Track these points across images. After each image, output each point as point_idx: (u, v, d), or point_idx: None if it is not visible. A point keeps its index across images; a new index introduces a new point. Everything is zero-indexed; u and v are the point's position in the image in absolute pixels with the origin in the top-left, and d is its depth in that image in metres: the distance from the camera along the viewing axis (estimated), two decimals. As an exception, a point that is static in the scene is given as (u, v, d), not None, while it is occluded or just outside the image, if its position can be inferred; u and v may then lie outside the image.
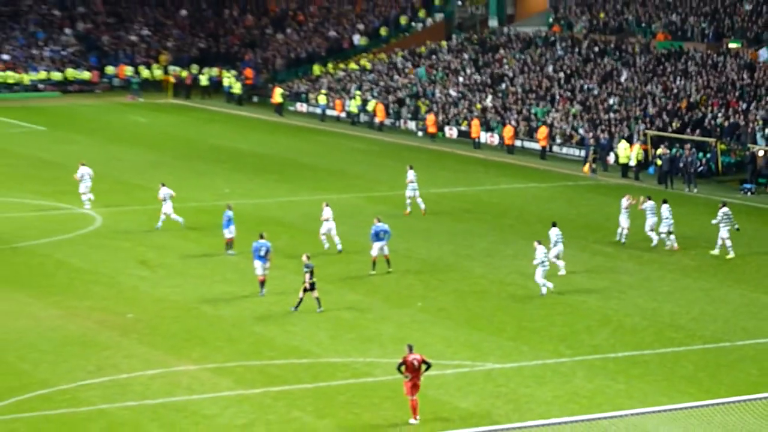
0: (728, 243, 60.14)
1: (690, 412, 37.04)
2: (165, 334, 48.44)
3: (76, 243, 61.49)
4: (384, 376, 41.85)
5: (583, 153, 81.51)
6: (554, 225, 57.88)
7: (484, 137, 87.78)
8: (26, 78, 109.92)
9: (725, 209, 61.30)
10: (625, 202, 63.05)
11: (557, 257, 56.25)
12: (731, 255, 59.99)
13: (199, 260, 56.07)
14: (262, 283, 53.77)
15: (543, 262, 53.82)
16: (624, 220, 62.79)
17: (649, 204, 62.64)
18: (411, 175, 70.22)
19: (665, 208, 62.62)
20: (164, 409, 41.18)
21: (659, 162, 76.22)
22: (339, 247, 60.23)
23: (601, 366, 45.06)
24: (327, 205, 62.03)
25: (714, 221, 60.68)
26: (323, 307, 50.97)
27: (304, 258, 52.46)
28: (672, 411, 37.46)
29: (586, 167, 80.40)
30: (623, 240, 62.20)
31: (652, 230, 62.35)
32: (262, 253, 53.99)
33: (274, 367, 45.07)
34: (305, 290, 51.10)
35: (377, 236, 56.43)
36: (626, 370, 44.62)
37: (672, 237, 61.55)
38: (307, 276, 51.30)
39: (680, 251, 60.39)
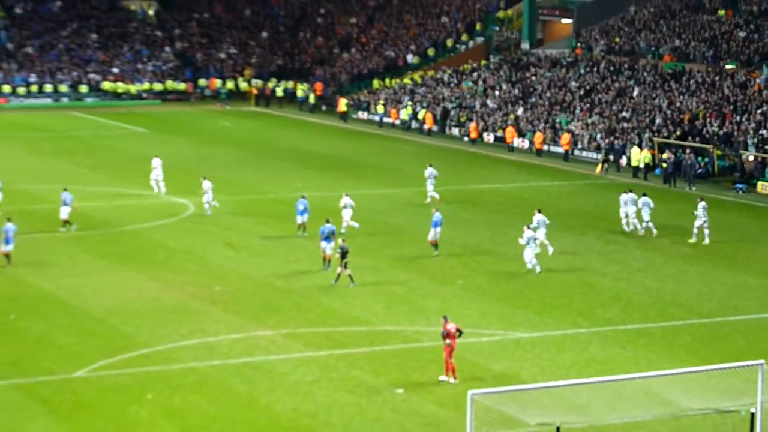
0: (706, 231, 60.04)
1: (688, 376, 36.82)
2: (246, 304, 48.54)
3: (173, 227, 61.68)
4: (429, 342, 41.84)
5: (599, 156, 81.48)
6: (539, 211, 58.02)
7: (517, 142, 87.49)
8: (132, 88, 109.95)
9: (703, 203, 61.06)
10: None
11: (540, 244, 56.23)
12: (707, 241, 60.08)
13: (275, 242, 56.14)
14: (328, 261, 53.89)
15: (528, 242, 54.19)
16: (624, 212, 62.86)
17: (630, 196, 62.67)
18: (429, 171, 70.08)
19: (643, 200, 62.49)
20: (245, 367, 41.26)
21: (664, 165, 75.84)
22: (343, 230, 60.14)
23: (612, 336, 44.91)
24: (346, 195, 61.99)
25: (695, 212, 60.47)
26: (356, 283, 51.16)
27: (339, 241, 52.88)
28: (672, 375, 37.23)
29: (598, 168, 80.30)
30: (628, 228, 62.10)
31: (635, 219, 62.63)
32: (328, 235, 54.20)
33: (336, 333, 45.08)
34: (344, 267, 51.47)
35: (436, 225, 56.67)
36: (634, 340, 44.48)
37: (645, 224, 61.96)
38: (338, 256, 51.75)
39: (680, 241, 59.94)
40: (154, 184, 69.57)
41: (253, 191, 67.10)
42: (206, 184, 65.71)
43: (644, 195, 63.54)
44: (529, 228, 55.36)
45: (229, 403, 38.29)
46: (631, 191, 64.53)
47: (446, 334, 38.49)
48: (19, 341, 43.81)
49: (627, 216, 62.82)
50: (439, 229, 56.10)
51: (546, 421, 31.14)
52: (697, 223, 60.55)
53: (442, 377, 38.99)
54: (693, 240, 60.11)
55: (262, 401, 38.37)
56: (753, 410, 32.73)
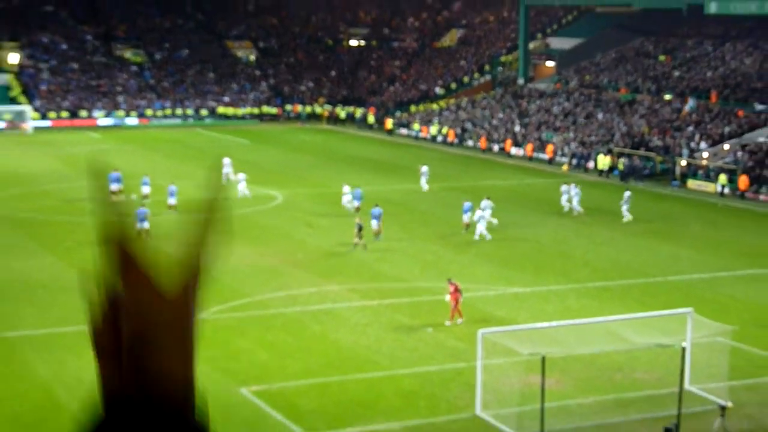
0: (627, 214, 59.69)
1: (637, 320, 36.59)
2: (319, 267, 48.54)
3: (266, 212, 61.71)
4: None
5: (574, 161, 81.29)
6: (487, 198, 57.58)
7: (514, 151, 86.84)
8: (238, 112, 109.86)
9: (628, 193, 60.92)
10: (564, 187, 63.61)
11: (491, 216, 56.08)
12: (628, 218, 59.63)
13: (339, 221, 56.03)
14: (377, 234, 53.76)
15: (479, 219, 54.45)
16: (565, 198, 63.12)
17: (567, 187, 62.82)
18: (424, 169, 70.29)
19: (575, 190, 62.43)
20: (318, 312, 41.32)
21: (621, 167, 75.53)
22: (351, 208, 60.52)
23: (583, 292, 44.69)
24: (346, 185, 62.42)
25: (621, 202, 60.46)
26: (368, 248, 51.69)
27: (357, 220, 53.09)
28: (626, 320, 36.98)
29: (565, 167, 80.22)
30: (566, 210, 62.17)
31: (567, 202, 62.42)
32: (377, 215, 54.10)
33: (384, 288, 44.99)
34: (359, 238, 51.83)
35: (469, 209, 56.32)
36: (599, 294, 44.28)
37: (576, 207, 61.70)
38: (356, 230, 51.91)
39: (633, 222, 59.43)
40: (224, 180, 68.11)
41: (323, 186, 67.13)
42: (240, 176, 66.19)
43: (575, 185, 63.50)
44: (480, 210, 55.47)
45: (306, 338, 38.45)
46: (565, 184, 64.54)
47: (454, 292, 39.36)
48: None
49: (570, 201, 62.41)
50: (375, 221, 54.80)
51: (535, 352, 31.03)
52: (624, 207, 60.12)
53: (459, 320, 39.26)
54: (624, 220, 59.78)
55: (330, 337, 38.50)
56: (684, 345, 32.53)
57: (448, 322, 39.36)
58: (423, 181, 70.00)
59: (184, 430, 1.87)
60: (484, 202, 57.78)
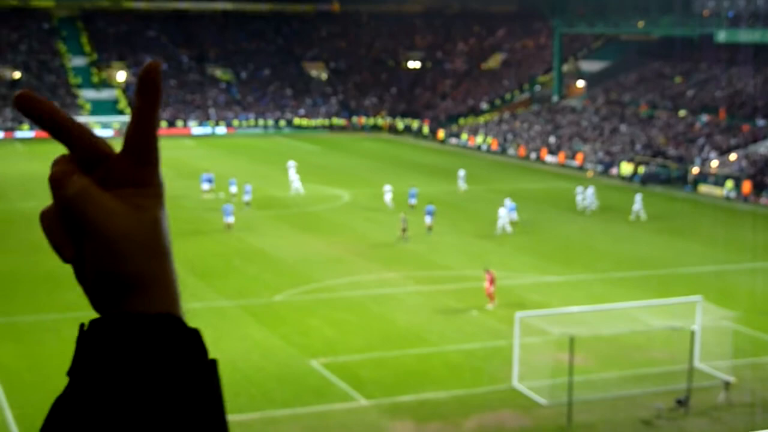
0: (642, 214, 59.46)
1: (653, 306, 36.37)
2: (378, 256, 48.58)
3: (334, 209, 61.89)
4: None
5: (599, 167, 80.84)
6: (509, 199, 57.75)
7: (548, 158, 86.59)
8: (312, 123, 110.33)
9: (639, 195, 60.81)
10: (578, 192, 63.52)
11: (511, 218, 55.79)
12: (644, 217, 59.30)
13: (397, 217, 56.04)
14: (430, 228, 53.76)
15: (501, 218, 54.37)
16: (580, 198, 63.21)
17: (582, 188, 62.88)
18: (462, 172, 70.26)
19: (589, 191, 62.85)
20: (378, 296, 41.47)
21: (641, 173, 75.22)
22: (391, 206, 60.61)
23: (606, 280, 44.50)
24: (387, 185, 62.66)
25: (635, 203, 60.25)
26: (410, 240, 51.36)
27: (401, 215, 53.26)
28: (644, 306, 36.80)
29: (589, 173, 79.70)
30: (580, 208, 61.57)
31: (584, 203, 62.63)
32: (430, 212, 54.09)
33: (435, 275, 45.01)
34: (403, 231, 51.82)
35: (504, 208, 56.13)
36: (620, 283, 43.96)
37: (591, 205, 62.27)
38: (402, 224, 52.12)
39: (650, 220, 59.02)
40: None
41: (380, 186, 67.24)
42: (293, 174, 67.30)
43: (590, 187, 63.71)
44: (503, 208, 55.47)
45: (367, 317, 38.52)
46: (581, 186, 64.77)
47: (490, 280, 39.37)
48: (241, 277, 44.38)
49: (584, 200, 62.38)
50: (428, 217, 54.64)
51: (564, 332, 31.02)
52: (635, 207, 59.63)
53: (490, 305, 39.29)
54: (642, 219, 59.39)
55: (388, 317, 38.57)
56: (694, 328, 32.36)
57: (489, 306, 39.48)
58: (461, 182, 69.81)
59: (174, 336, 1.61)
60: (509, 203, 57.93)
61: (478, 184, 70.25)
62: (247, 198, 60.47)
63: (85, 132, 1.60)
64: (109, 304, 1.60)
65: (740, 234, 55.19)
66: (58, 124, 1.58)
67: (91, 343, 1.55)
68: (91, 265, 1.60)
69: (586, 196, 62.98)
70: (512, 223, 55.74)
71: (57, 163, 1.62)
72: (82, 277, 1.63)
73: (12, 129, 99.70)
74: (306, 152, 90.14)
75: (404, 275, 44.98)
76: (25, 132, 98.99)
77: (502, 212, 55.61)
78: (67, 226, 1.59)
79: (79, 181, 1.58)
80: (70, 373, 1.55)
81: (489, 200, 61.74)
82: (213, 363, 1.63)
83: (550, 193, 68.94)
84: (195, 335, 1.64)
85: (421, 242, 52.15)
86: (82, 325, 1.57)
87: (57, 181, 1.58)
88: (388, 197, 61.92)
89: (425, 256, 49.02)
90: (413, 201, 60.90)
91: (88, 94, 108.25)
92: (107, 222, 1.57)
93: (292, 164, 71.41)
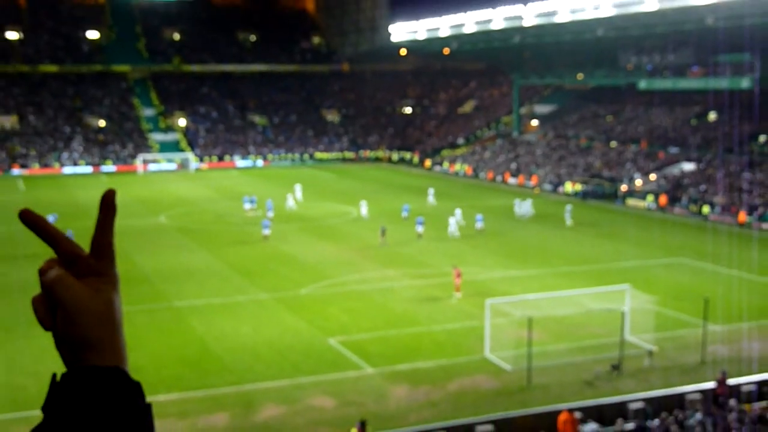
0: (569, 220, 59.60)
1: (595, 293, 36.24)
2: (379, 258, 48.29)
3: (345, 222, 61.58)
4: (468, 277, 41.56)
5: (549, 186, 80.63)
6: (457, 209, 58.84)
7: (511, 180, 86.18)
8: (328, 156, 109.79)
9: (569, 206, 61.51)
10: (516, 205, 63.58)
11: (457, 223, 55.83)
12: (570, 223, 59.34)
13: (394, 227, 55.71)
14: (420, 236, 53.44)
15: (451, 225, 54.27)
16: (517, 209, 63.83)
17: (519, 201, 61.99)
18: (431, 190, 70.60)
19: (527, 203, 63.38)
20: (380, 288, 41.20)
21: (582, 189, 75.11)
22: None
23: (557, 273, 44.19)
24: (364, 202, 62.73)
25: (566, 213, 60.63)
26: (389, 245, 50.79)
27: (381, 226, 52.97)
28: (585, 293, 36.67)
29: (536, 190, 79.46)
30: (518, 217, 61.62)
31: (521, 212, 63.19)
32: (420, 222, 53.84)
33: (424, 272, 44.71)
34: (382, 237, 51.64)
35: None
36: (568, 275, 43.71)
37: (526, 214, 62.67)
38: (381, 233, 51.94)
39: (590, 226, 58.90)
40: (291, 199, 67.08)
41: (382, 203, 66.85)
42: (290, 199, 66.20)
43: (528, 200, 64.33)
44: (452, 217, 55.85)
45: (372, 305, 38.34)
46: (518, 199, 65.57)
47: (457, 274, 39.16)
48: (275, 276, 44.23)
49: (521, 209, 63.17)
50: (420, 227, 54.32)
51: (524, 314, 30.89)
52: (566, 216, 60.05)
53: (457, 294, 39.05)
54: (567, 224, 59.42)
55: (388, 305, 38.39)
56: (624, 309, 32.27)
57: (456, 294, 39.13)
58: (430, 198, 69.59)
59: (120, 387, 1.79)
60: (458, 211, 58.17)
61: (455, 201, 70.01)
62: (270, 214, 61.05)
63: (66, 241, 1.86)
64: (73, 358, 1.81)
65: (658, 237, 55.09)
66: (49, 236, 1.85)
67: (57, 389, 1.77)
68: (62, 331, 1.81)
69: (522, 206, 63.23)
70: (479, 231, 55.67)
71: (46, 263, 1.86)
72: (58, 341, 1.84)
73: (99, 164, 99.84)
74: (324, 179, 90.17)
75: (400, 272, 44.72)
76: (108, 167, 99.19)
77: (452, 221, 55.46)
78: (48, 304, 1.83)
79: (57, 271, 1.82)
80: (43, 409, 1.77)
81: (464, 214, 61.40)
82: (148, 407, 1.82)
83: (511, 207, 68.82)
84: (135, 385, 1.83)
85: (413, 246, 51.97)
86: (54, 375, 1.79)
87: (43, 271, 1.83)
88: (364, 210, 61.39)
89: (416, 258, 48.68)
90: (405, 214, 60.76)
91: (156, 136, 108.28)
92: (73, 300, 1.80)
93: (298, 187, 72.35)
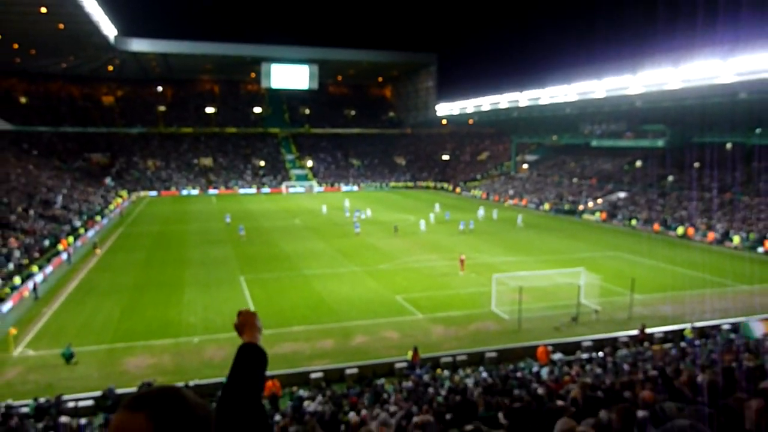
0: (520, 223, 57.65)
1: (562, 273, 35.05)
2: (425, 247, 47.24)
3: (406, 224, 60.69)
4: (466, 260, 40.55)
5: (532, 206, 78.46)
6: (435, 209, 56.79)
7: (510, 202, 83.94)
8: (398, 184, 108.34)
9: (521, 216, 59.63)
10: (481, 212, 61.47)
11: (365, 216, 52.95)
12: (520, 225, 57.22)
13: (442, 227, 54.98)
14: (462, 232, 52.08)
15: (423, 224, 51.60)
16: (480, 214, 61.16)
17: (482, 210, 60.05)
18: (437, 206, 67.96)
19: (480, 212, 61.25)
20: (427, 266, 40.48)
21: (551, 207, 73.13)
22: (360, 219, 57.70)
23: (533, 259, 42.99)
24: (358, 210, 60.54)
25: (518, 222, 58.17)
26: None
27: (395, 225, 51.16)
28: (551, 274, 35.62)
29: (514, 201, 77.11)
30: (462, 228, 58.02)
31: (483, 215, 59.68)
32: (462, 224, 52.32)
33: (454, 255, 43.91)
34: (395, 231, 49.39)
35: (463, 223, 54.02)
36: (541, 259, 42.42)
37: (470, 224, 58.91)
38: (394, 229, 48.93)
39: (558, 230, 56.92)
40: (348, 212, 63.84)
41: (425, 212, 65.69)
42: (356, 212, 61.01)
43: (481, 209, 62.46)
44: (358, 212, 54.36)
45: (422, 276, 37.41)
46: (482, 207, 64.26)
47: (461, 260, 37.97)
48: (363, 257, 43.38)
49: (482, 215, 60.70)
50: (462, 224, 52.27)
51: (516, 284, 30.37)
52: (518, 220, 58.50)
53: (461, 273, 37.89)
54: (518, 225, 57.52)
55: (433, 275, 37.61)
56: (580, 283, 31.42)
57: (461, 273, 38.05)
58: (437, 207, 66.86)
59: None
60: (436, 207, 56.72)
61: (468, 214, 68.75)
62: (363, 216, 60.46)
63: (240, 329, 2.97)
64: (246, 340, 2.90)
65: (601, 238, 53.38)
66: (242, 327, 2.95)
67: (241, 349, 2.81)
68: (243, 336, 3.02)
69: (479, 214, 61.40)
70: (467, 231, 53.57)
71: (237, 322, 3.07)
72: (242, 337, 3.09)
73: (259, 187, 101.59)
74: (394, 198, 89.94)
75: (439, 256, 44.10)
76: (265, 189, 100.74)
77: (422, 223, 53.94)
78: (239, 331, 3.01)
79: (239, 324, 3.07)
80: (236, 358, 2.85)
81: (474, 220, 59.62)
82: (264, 354, 2.82)
83: (506, 218, 67.34)
84: (264, 351, 2.86)
85: (451, 238, 51.14)
86: (240, 346, 2.85)
87: (236, 326, 3.16)
88: (423, 226, 54.02)
89: (451, 246, 47.77)
90: (447, 217, 59.82)
91: (294, 171, 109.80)
92: (241, 329, 3.00)
93: (347, 203, 70.85)
